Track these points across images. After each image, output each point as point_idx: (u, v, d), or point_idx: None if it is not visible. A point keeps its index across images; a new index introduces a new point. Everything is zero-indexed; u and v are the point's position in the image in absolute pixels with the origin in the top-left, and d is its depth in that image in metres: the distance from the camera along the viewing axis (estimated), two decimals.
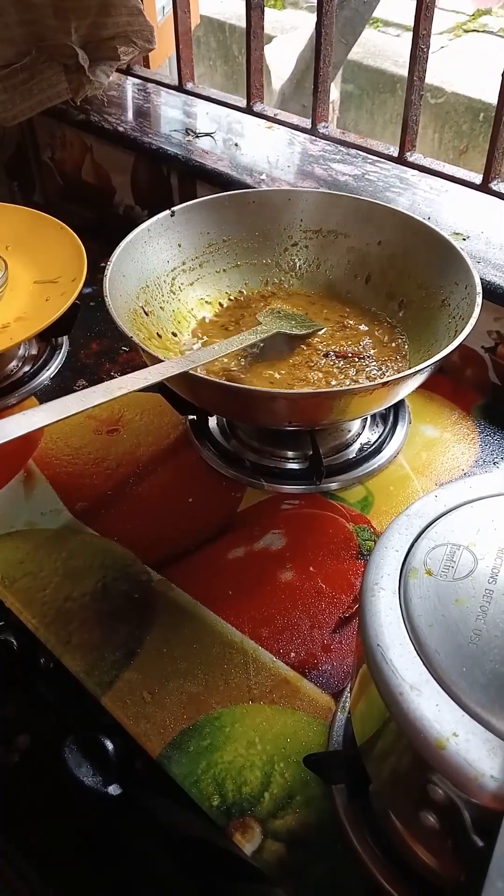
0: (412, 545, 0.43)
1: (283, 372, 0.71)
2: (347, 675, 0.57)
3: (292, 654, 0.59)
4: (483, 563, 0.41)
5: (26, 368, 0.85)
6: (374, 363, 0.73)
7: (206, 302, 0.81)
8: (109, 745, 0.54)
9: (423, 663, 0.37)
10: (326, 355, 0.73)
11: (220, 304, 0.81)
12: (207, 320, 0.79)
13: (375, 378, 0.71)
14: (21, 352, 0.87)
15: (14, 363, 0.85)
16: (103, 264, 0.70)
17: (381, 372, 0.72)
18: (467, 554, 0.41)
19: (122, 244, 0.72)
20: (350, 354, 0.73)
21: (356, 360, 0.72)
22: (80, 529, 0.68)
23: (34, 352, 0.87)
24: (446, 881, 0.41)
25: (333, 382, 0.70)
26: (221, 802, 0.51)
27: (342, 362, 0.72)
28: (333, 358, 0.73)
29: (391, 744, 0.40)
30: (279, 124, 1.01)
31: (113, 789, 0.53)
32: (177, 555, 0.66)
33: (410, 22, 0.84)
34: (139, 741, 0.54)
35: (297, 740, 0.54)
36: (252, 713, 0.55)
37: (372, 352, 0.74)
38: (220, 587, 0.63)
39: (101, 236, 0.84)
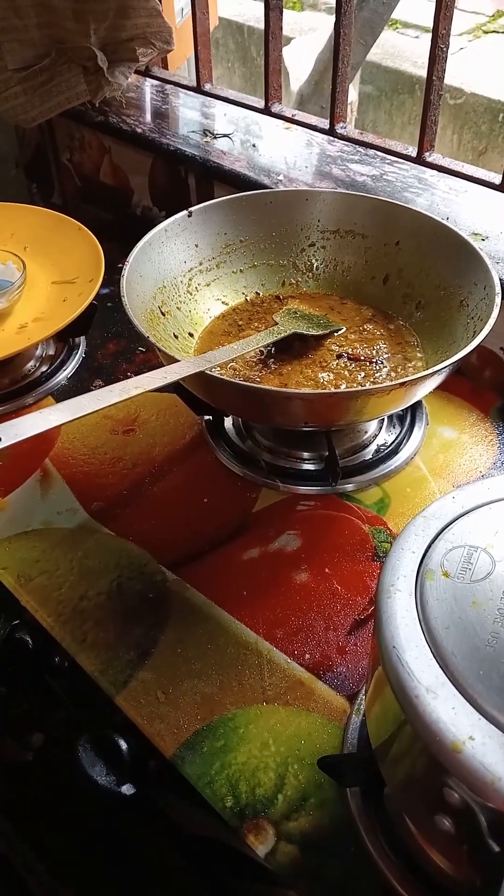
0: (429, 547, 0.42)
1: (292, 371, 0.71)
2: (362, 678, 0.57)
3: (307, 656, 0.58)
4: (501, 565, 0.41)
5: (44, 368, 0.86)
6: (386, 367, 0.72)
7: (223, 302, 0.81)
8: (123, 745, 0.54)
9: (440, 666, 0.37)
10: (339, 357, 0.73)
11: (237, 305, 0.81)
12: (224, 320, 0.79)
13: (385, 382, 0.71)
14: (39, 352, 0.87)
15: (32, 363, 0.86)
16: (121, 265, 0.70)
17: (393, 376, 0.72)
18: (485, 556, 0.41)
19: (140, 245, 0.72)
20: (363, 358, 0.72)
21: (368, 363, 0.72)
22: (95, 529, 0.68)
23: (51, 352, 0.88)
24: (461, 886, 0.40)
25: (343, 385, 0.70)
26: (235, 804, 0.50)
27: (353, 364, 0.72)
28: (346, 360, 0.72)
29: (406, 747, 0.39)
30: (297, 125, 1.01)
31: (126, 789, 0.53)
32: (192, 555, 0.66)
33: (429, 23, 0.83)
34: (153, 741, 0.54)
35: (312, 742, 0.53)
36: (266, 714, 0.55)
37: (386, 356, 0.74)
38: (234, 588, 0.63)
39: (118, 237, 0.84)
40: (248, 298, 0.82)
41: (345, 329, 0.76)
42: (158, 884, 0.56)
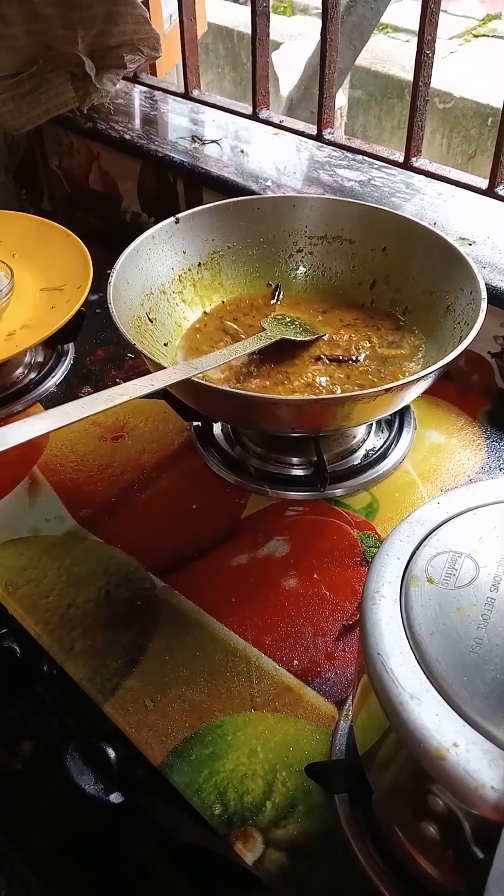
0: (414, 553, 0.42)
1: (280, 377, 0.71)
2: (351, 684, 0.57)
3: (295, 662, 0.58)
4: (485, 570, 0.41)
5: (32, 375, 0.85)
6: (374, 372, 0.72)
7: (211, 308, 0.81)
8: (111, 753, 0.54)
9: (424, 672, 0.37)
10: (330, 360, 0.73)
11: (224, 311, 0.81)
12: (211, 326, 0.79)
13: (370, 381, 0.71)
14: (27, 359, 0.87)
15: (20, 370, 0.86)
16: (109, 271, 0.70)
17: (382, 378, 0.72)
18: (469, 562, 0.41)
19: (127, 251, 0.72)
20: (347, 359, 0.72)
21: (355, 367, 0.72)
22: (83, 536, 0.68)
23: (40, 359, 0.88)
24: (447, 891, 0.40)
25: (337, 390, 0.70)
26: (223, 811, 0.50)
27: (341, 369, 0.72)
28: (334, 364, 0.72)
29: (392, 753, 0.39)
30: (285, 130, 1.01)
31: (115, 797, 0.53)
32: (180, 562, 0.66)
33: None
34: (141, 749, 0.54)
35: (300, 749, 0.53)
36: (254, 721, 0.55)
37: (374, 361, 0.74)
38: (223, 594, 0.63)
39: (108, 243, 0.84)
40: (235, 305, 0.82)
41: (328, 336, 0.76)
42: (147, 890, 0.56)
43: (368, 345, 0.75)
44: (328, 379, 0.71)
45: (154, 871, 0.57)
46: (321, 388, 0.70)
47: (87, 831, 0.59)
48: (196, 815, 0.50)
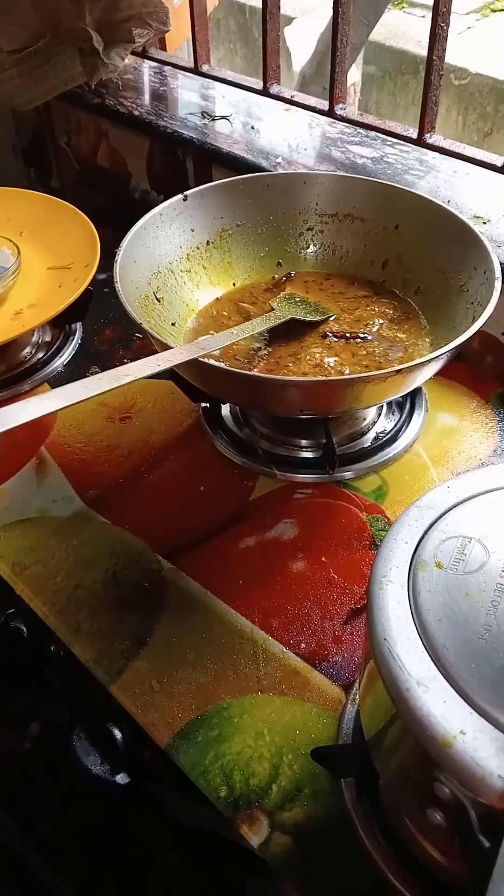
0: (422, 537, 0.42)
1: (289, 357, 0.70)
2: (358, 667, 0.56)
3: (302, 645, 0.58)
4: (495, 556, 0.40)
5: (40, 355, 0.85)
6: (386, 352, 0.71)
7: (220, 287, 0.80)
8: (118, 735, 0.54)
9: (431, 659, 0.36)
10: (340, 337, 0.72)
11: (233, 290, 0.80)
12: (219, 306, 0.78)
13: (381, 363, 0.70)
14: (34, 338, 0.86)
15: (28, 350, 0.85)
16: (117, 250, 0.69)
17: (393, 358, 0.71)
18: (479, 547, 0.40)
19: (134, 229, 0.71)
20: (357, 337, 0.71)
21: (366, 346, 0.71)
22: (91, 517, 0.68)
23: (48, 338, 0.87)
24: (454, 879, 0.40)
25: (346, 370, 0.69)
26: (229, 794, 0.50)
27: (353, 350, 0.71)
28: (344, 342, 0.71)
29: (398, 740, 0.39)
30: (296, 106, 1.00)
31: (121, 778, 0.53)
32: (188, 544, 0.65)
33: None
34: (147, 730, 0.54)
35: (307, 732, 0.53)
36: (261, 704, 0.55)
37: (386, 341, 0.73)
38: (230, 577, 0.63)
39: (116, 221, 0.83)
40: (244, 284, 0.81)
41: (337, 316, 0.75)
42: (153, 871, 0.56)
43: (378, 325, 0.74)
44: (336, 359, 0.70)
45: (161, 853, 0.57)
46: (329, 368, 0.69)
47: (93, 813, 0.59)
48: (202, 798, 0.50)
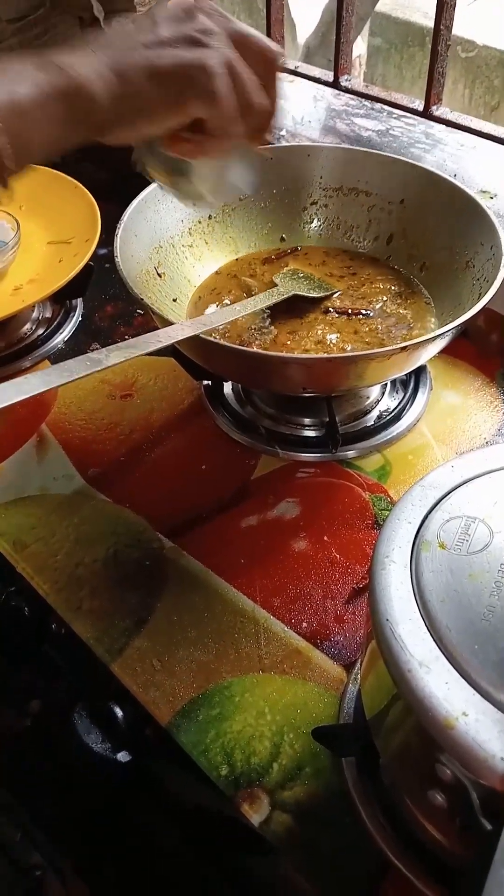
0: (426, 517, 0.41)
1: (293, 334, 0.69)
2: (360, 647, 0.56)
3: (304, 625, 0.58)
4: (499, 536, 0.39)
5: (40, 331, 0.84)
6: (391, 328, 0.70)
7: (222, 262, 0.79)
8: (119, 713, 0.54)
9: (434, 639, 0.36)
10: (342, 313, 0.71)
11: (236, 265, 0.79)
12: (222, 281, 0.77)
13: (384, 340, 0.69)
14: (35, 314, 0.85)
15: (28, 326, 0.84)
16: (118, 224, 0.68)
17: (397, 335, 0.70)
18: (483, 527, 0.40)
19: (134, 203, 0.70)
20: (361, 313, 0.70)
21: (371, 321, 0.70)
22: (92, 495, 0.67)
23: (48, 314, 0.86)
24: (455, 859, 0.40)
25: (349, 348, 0.68)
26: (230, 772, 0.50)
27: (358, 326, 0.70)
28: (346, 317, 0.70)
29: (399, 721, 0.39)
30: (300, 77, 0.98)
31: (122, 756, 0.53)
32: (189, 522, 0.65)
33: None
34: (148, 709, 0.53)
35: (308, 711, 0.53)
36: (262, 683, 0.54)
37: (391, 317, 0.72)
38: (232, 556, 0.62)
39: (118, 195, 0.81)
40: (247, 258, 0.80)
41: (341, 291, 0.74)
42: (154, 850, 0.57)
43: (382, 301, 0.73)
44: (339, 335, 0.69)
45: (163, 831, 0.57)
46: (332, 345, 0.68)
47: (96, 791, 0.59)
48: (203, 777, 0.50)
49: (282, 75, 0.52)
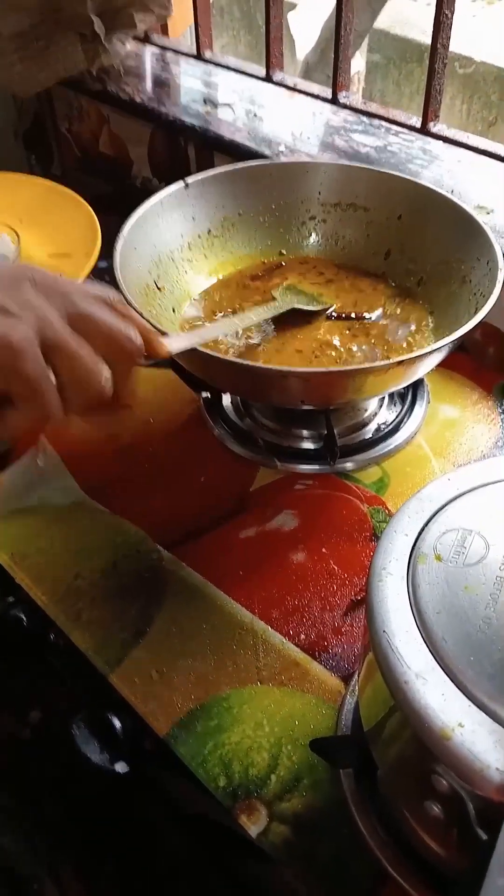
0: (422, 529, 0.42)
1: (290, 347, 0.70)
2: (358, 659, 0.56)
3: (302, 636, 0.58)
4: (495, 549, 0.40)
5: None
6: (377, 336, 0.71)
7: (220, 276, 0.79)
8: (117, 724, 0.54)
9: (430, 651, 0.36)
10: (340, 319, 0.72)
11: (234, 279, 0.80)
12: (221, 295, 0.78)
13: (386, 341, 0.70)
14: None
15: None
16: (118, 237, 0.69)
17: (395, 345, 0.71)
18: (479, 539, 0.40)
19: (134, 217, 0.71)
20: (353, 316, 0.71)
21: (357, 322, 0.71)
22: (91, 507, 0.68)
23: None
24: (452, 870, 0.40)
25: (332, 354, 0.69)
26: (228, 783, 0.50)
27: (356, 341, 0.71)
28: (348, 332, 0.71)
29: (396, 732, 0.39)
30: (299, 93, 0.99)
31: (120, 767, 0.53)
32: (188, 534, 0.65)
33: None
34: (147, 720, 0.54)
35: (306, 723, 0.53)
36: (260, 695, 0.55)
37: (388, 331, 0.72)
38: (230, 567, 0.63)
39: (118, 209, 0.82)
40: (246, 272, 0.80)
41: (339, 306, 0.75)
42: (154, 860, 0.57)
43: (378, 315, 0.74)
44: (343, 352, 0.70)
45: (163, 841, 0.57)
46: (333, 350, 0.69)
47: (96, 801, 0.59)
48: (202, 787, 0.50)
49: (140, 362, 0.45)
